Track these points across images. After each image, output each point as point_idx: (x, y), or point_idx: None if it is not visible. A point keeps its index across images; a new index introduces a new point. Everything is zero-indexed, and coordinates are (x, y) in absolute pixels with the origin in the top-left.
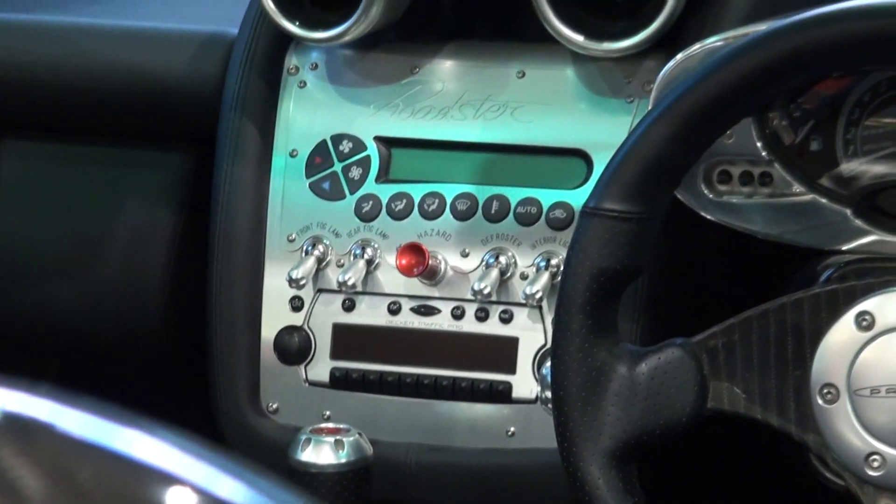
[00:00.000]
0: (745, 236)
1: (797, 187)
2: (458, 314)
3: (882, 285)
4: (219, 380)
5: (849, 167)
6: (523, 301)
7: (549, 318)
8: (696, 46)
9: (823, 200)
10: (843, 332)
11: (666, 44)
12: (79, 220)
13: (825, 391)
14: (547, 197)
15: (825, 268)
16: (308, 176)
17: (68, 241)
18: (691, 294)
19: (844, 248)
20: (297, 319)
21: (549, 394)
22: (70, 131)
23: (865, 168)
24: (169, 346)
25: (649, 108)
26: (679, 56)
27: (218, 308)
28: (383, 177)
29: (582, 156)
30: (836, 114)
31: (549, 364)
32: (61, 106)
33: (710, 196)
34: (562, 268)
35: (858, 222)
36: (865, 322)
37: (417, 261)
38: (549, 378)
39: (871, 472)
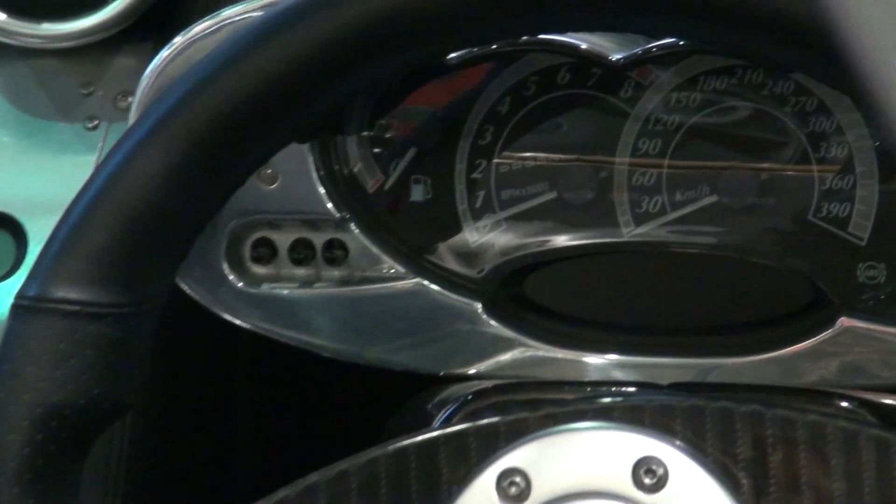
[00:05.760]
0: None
1: (390, 266)
2: None
3: (539, 426)
4: None
5: (476, 230)
6: None
7: None
8: (206, 23)
9: (435, 288)
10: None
11: (153, 29)
12: None
13: None
14: None
15: (443, 403)
16: None
17: None
18: (209, 444)
19: (472, 370)
20: None
21: None
22: None
23: (504, 231)
24: None
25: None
26: (178, 40)
27: None
28: None
29: (8, 226)
30: (454, 136)
31: None
32: None
33: (240, 285)
34: None
35: (494, 324)
36: (515, 488)
37: None
38: None
39: None
